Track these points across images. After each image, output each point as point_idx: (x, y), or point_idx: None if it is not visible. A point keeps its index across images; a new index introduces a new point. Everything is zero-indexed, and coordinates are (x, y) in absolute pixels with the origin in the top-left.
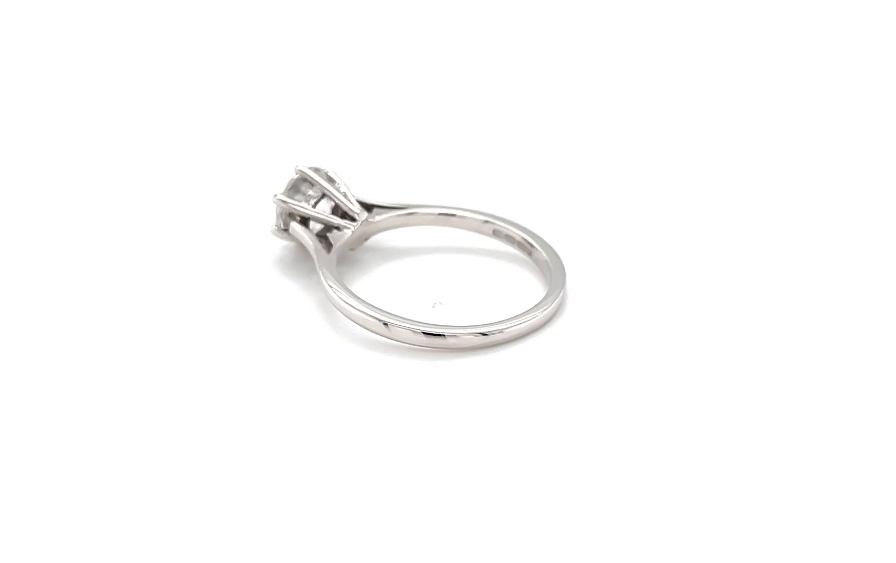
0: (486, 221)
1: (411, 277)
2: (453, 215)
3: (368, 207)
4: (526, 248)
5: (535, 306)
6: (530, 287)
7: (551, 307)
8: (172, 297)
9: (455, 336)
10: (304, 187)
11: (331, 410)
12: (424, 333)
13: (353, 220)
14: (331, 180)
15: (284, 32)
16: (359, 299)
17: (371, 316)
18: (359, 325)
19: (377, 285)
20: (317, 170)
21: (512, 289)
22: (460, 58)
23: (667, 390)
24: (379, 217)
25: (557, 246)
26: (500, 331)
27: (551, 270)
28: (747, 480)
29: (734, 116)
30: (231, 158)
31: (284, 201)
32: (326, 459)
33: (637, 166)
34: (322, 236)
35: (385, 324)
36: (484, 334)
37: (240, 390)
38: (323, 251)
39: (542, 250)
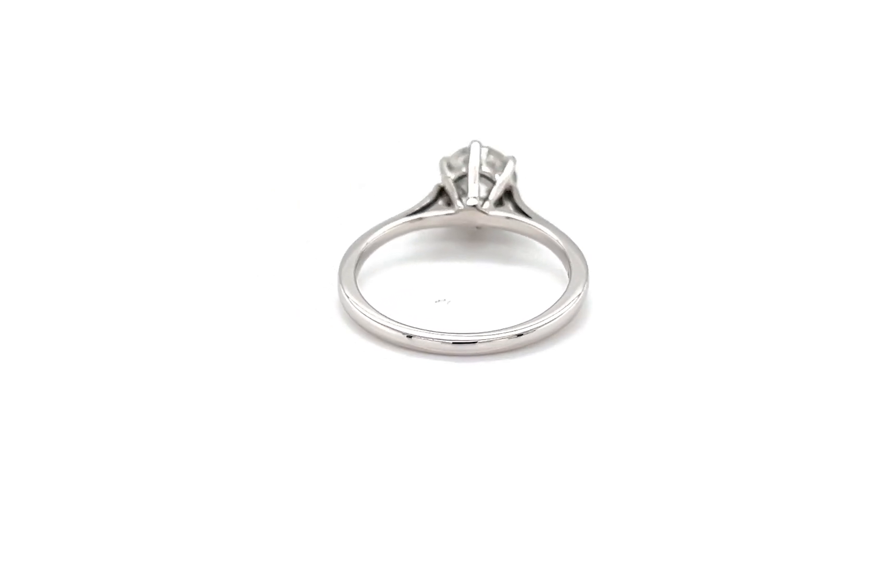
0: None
1: (416, 280)
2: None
3: (502, 202)
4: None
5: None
6: (538, 284)
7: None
8: (194, 294)
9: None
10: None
11: (362, 415)
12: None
13: (461, 202)
14: (501, 165)
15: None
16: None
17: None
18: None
19: (381, 289)
20: (489, 150)
21: (520, 287)
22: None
23: (703, 379)
24: (493, 213)
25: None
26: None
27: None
28: (775, 475)
29: (760, 116)
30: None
31: (444, 165)
32: (358, 464)
33: (645, 157)
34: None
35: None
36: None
37: (261, 389)
38: (398, 221)
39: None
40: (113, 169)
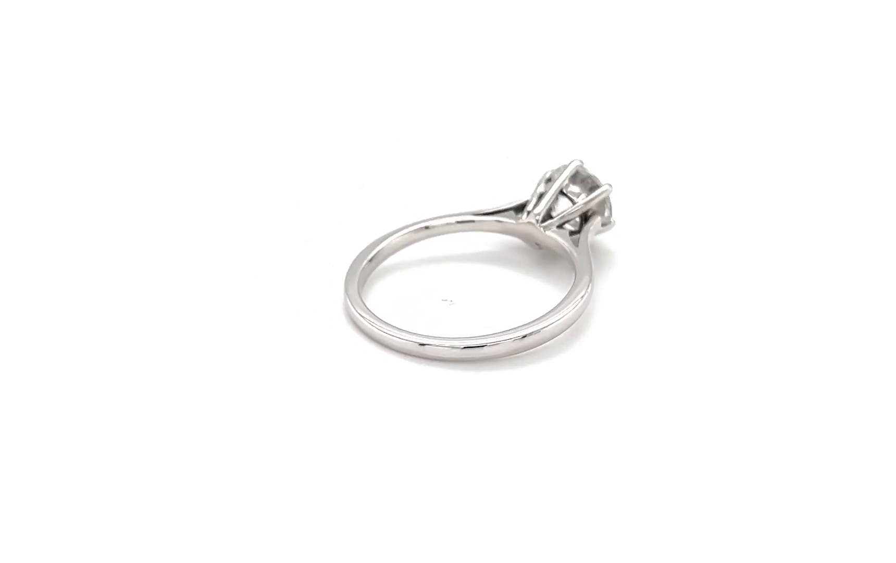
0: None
1: (421, 286)
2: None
3: (567, 224)
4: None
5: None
6: (537, 286)
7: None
8: (207, 297)
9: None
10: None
11: (371, 424)
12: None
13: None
14: (588, 188)
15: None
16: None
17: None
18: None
19: (386, 298)
20: (578, 171)
21: (523, 289)
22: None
23: (706, 382)
24: (548, 233)
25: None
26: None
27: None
28: (779, 474)
29: (774, 128)
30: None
31: (544, 177)
32: (368, 474)
33: (644, 151)
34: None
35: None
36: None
37: (266, 393)
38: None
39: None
40: (113, 170)
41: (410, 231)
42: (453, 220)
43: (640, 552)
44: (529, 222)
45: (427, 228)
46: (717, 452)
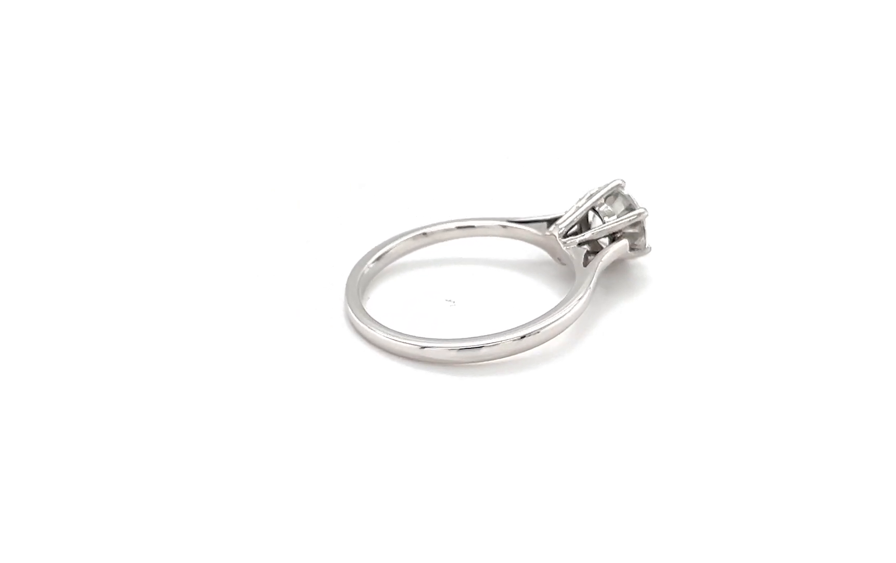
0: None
1: (424, 290)
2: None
3: (590, 247)
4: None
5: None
6: (546, 295)
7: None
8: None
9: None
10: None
11: (371, 426)
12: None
13: (544, 229)
14: (627, 208)
15: None
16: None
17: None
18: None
19: (386, 301)
20: (617, 192)
21: (530, 297)
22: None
23: (704, 386)
24: (565, 246)
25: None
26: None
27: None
28: (774, 472)
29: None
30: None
31: (587, 193)
32: (367, 477)
33: (643, 155)
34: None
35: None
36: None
37: (267, 394)
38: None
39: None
40: (113, 171)
41: (410, 238)
42: (453, 225)
43: (639, 554)
44: (552, 235)
45: (425, 234)
46: (714, 456)
